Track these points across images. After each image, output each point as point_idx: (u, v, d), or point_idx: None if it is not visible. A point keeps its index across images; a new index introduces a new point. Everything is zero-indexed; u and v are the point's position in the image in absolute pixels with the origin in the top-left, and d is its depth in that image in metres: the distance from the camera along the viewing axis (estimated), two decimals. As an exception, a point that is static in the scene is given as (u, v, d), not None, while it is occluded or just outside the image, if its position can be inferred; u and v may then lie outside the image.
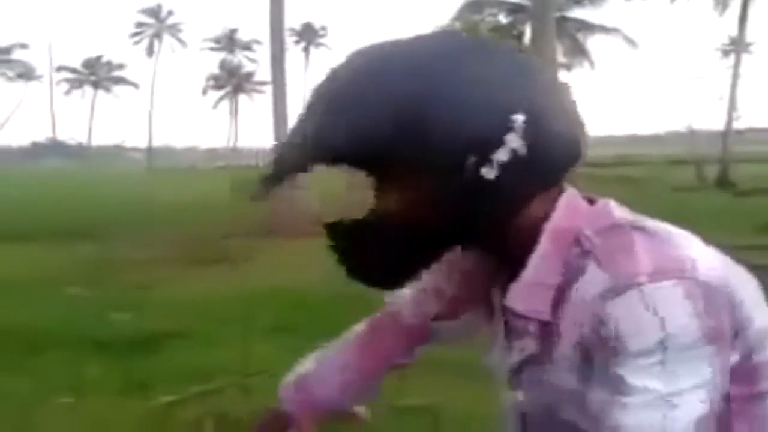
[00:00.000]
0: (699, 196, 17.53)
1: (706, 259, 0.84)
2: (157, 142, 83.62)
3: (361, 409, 1.22)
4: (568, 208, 0.89)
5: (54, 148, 77.01)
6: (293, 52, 77.02)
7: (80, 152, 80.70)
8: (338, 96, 0.86)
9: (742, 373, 0.86)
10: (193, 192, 21.49)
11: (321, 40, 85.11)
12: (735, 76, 26.88)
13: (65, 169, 40.19)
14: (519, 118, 0.83)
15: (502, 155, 0.83)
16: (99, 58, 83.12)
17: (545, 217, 0.88)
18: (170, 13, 79.47)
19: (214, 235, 10.66)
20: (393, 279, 0.95)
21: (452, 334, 1.15)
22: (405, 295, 1.16)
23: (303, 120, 0.88)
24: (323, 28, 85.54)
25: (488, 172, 0.83)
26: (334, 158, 0.85)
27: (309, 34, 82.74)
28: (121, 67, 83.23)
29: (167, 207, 15.93)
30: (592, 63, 34.96)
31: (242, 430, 3.73)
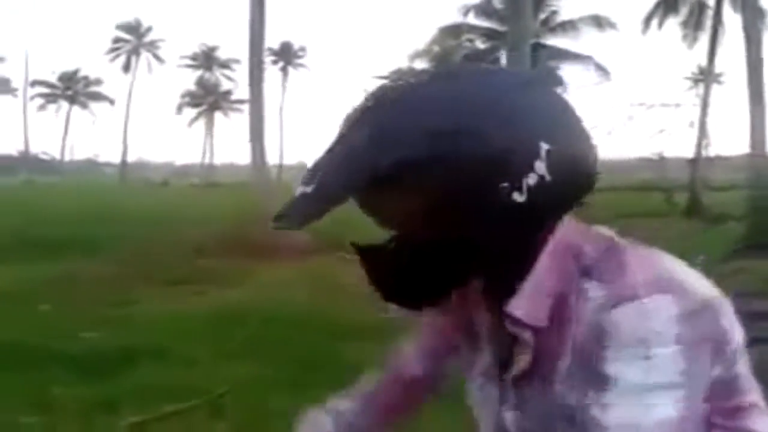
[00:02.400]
0: (668, 222, 17.78)
1: (694, 277, 0.92)
2: (131, 157, 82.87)
3: None
4: (568, 227, 0.96)
5: (27, 162, 75.99)
6: (271, 71, 77.06)
7: (53, 167, 79.71)
8: (380, 123, 0.88)
9: (721, 388, 0.92)
10: (165, 207, 21.32)
11: (300, 61, 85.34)
12: (705, 104, 27.42)
13: (38, 183, 39.61)
14: (545, 146, 0.89)
15: (531, 180, 0.88)
16: (75, 72, 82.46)
17: (549, 236, 0.95)
18: (149, 29, 79.20)
19: (185, 253, 10.58)
20: (428, 300, 0.98)
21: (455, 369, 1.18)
22: (404, 348, 1.23)
23: (339, 149, 0.90)
24: (302, 49, 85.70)
25: (519, 197, 0.88)
26: (376, 183, 0.87)
27: (287, 54, 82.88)
28: (97, 82, 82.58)
29: (139, 223, 15.78)
30: (565, 89, 35.38)
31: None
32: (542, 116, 0.91)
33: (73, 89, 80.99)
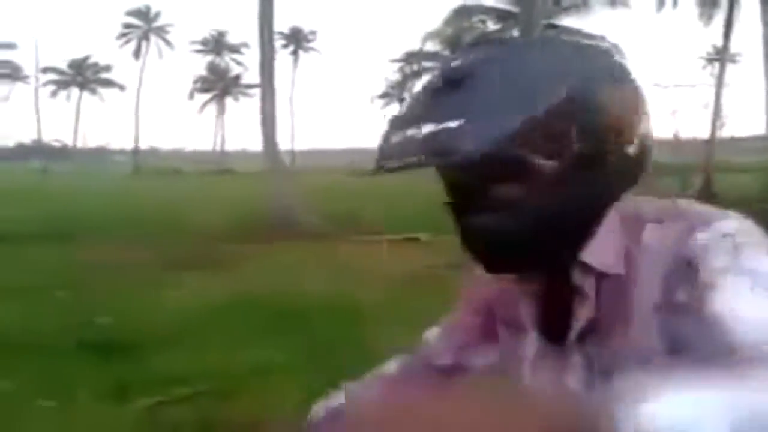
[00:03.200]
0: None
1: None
2: (142, 145, 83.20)
3: None
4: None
5: (39, 150, 76.44)
6: (282, 55, 76.93)
7: (65, 154, 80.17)
8: (511, 80, 0.87)
9: None
10: (179, 195, 21.41)
11: (310, 45, 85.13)
12: (720, 85, 27.14)
13: (51, 171, 39.94)
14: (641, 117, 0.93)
15: (639, 135, 0.93)
16: (85, 59, 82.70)
17: None
18: (158, 14, 79.23)
19: (201, 239, 10.63)
20: (536, 261, 0.95)
21: (485, 366, 1.15)
22: (432, 337, 1.19)
23: (463, 96, 0.87)
24: (312, 33, 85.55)
25: (630, 149, 0.92)
26: (504, 143, 0.84)
27: (298, 38, 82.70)
28: (107, 68, 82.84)
29: (153, 211, 15.85)
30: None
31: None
32: (639, 85, 0.95)
33: (83, 76, 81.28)
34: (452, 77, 0.89)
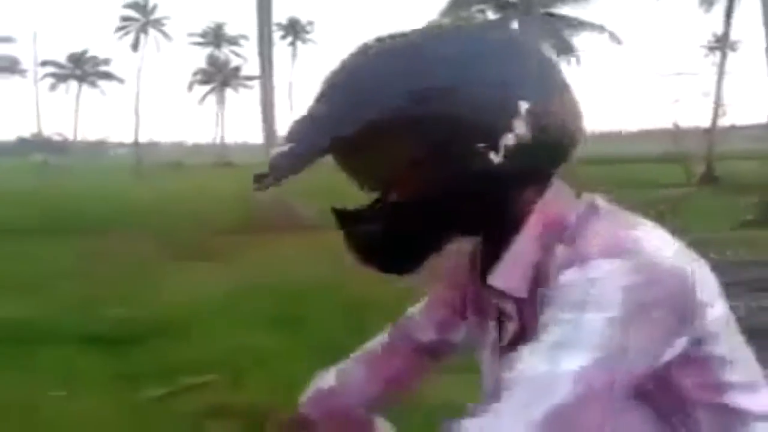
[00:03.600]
0: (684, 192, 17.65)
1: (661, 245, 0.87)
2: (142, 138, 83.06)
3: (380, 422, 1.26)
4: (555, 196, 0.93)
5: (39, 144, 76.35)
6: (280, 47, 76.73)
7: (65, 148, 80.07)
8: (357, 85, 0.88)
9: (694, 362, 0.88)
10: (181, 188, 21.42)
11: (308, 36, 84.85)
12: (720, 73, 27.06)
13: (51, 165, 39.94)
14: (524, 105, 0.87)
15: (509, 140, 0.87)
16: (84, 52, 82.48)
17: (535, 204, 0.93)
18: (155, 7, 78.95)
19: (202, 231, 10.66)
20: (407, 263, 0.97)
21: (465, 341, 1.18)
22: (416, 312, 1.22)
23: (318, 107, 0.90)
24: (310, 23, 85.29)
25: (495, 157, 0.87)
26: (350, 144, 0.87)
27: (296, 30, 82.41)
28: (106, 62, 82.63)
29: (156, 203, 15.88)
30: (578, 60, 35.07)
31: (232, 422, 3.77)
32: (521, 74, 0.89)
33: (82, 69, 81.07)
34: (320, 90, 0.92)
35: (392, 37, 0.93)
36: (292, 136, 0.89)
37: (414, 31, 0.94)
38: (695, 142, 26.25)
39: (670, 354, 0.86)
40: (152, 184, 23.73)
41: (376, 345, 1.23)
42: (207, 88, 79.82)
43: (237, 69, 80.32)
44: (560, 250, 0.88)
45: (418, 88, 0.86)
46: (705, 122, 27.84)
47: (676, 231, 0.96)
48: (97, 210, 14.29)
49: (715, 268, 0.94)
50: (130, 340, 5.03)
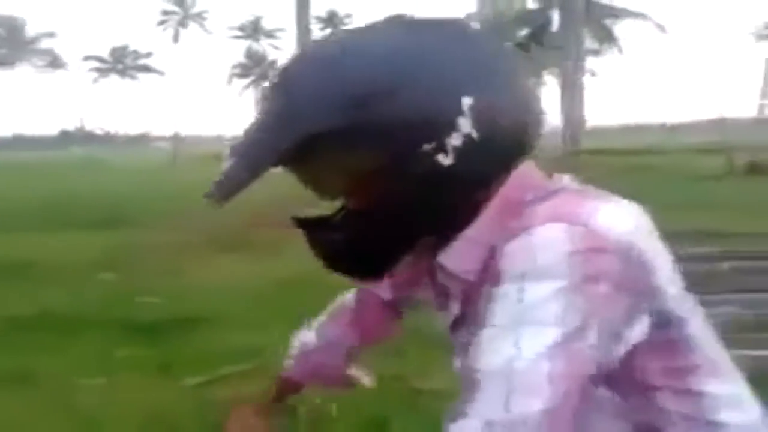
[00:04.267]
0: (727, 184, 17.28)
1: (617, 220, 0.82)
2: (182, 131, 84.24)
3: (357, 373, 1.34)
4: (518, 181, 0.89)
5: (82, 137, 77.90)
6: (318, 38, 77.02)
7: (108, 141, 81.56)
8: (294, 95, 0.84)
9: (658, 345, 0.85)
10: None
11: (346, 27, 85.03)
12: None
13: (94, 158, 40.72)
14: (467, 101, 0.82)
15: (456, 140, 0.82)
16: (125, 47, 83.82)
17: (496, 192, 0.89)
18: (195, 0, 79.83)
19: (239, 223, 10.74)
20: (374, 270, 0.95)
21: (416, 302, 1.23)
22: None
23: (259, 118, 0.87)
24: (348, 16, 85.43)
25: (444, 159, 0.82)
26: (290, 157, 0.84)
27: (334, 21, 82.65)
28: (147, 55, 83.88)
29: (194, 195, 16.05)
30: (620, 49, 34.53)
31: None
32: (462, 67, 0.84)
33: (123, 63, 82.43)
34: (262, 99, 0.89)
35: (331, 36, 0.91)
36: (235, 150, 0.87)
37: (352, 31, 0.90)
38: (740, 132, 25.67)
39: (631, 336, 0.83)
40: (190, 175, 24.05)
41: (347, 301, 1.29)
42: (246, 81, 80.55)
43: (275, 62, 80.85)
44: (510, 226, 0.84)
45: (355, 94, 0.81)
46: (751, 112, 27.18)
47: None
48: (135, 202, 14.51)
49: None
50: (166, 329, 5.09)
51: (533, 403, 0.76)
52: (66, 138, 76.11)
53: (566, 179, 0.93)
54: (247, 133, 0.87)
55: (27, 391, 3.98)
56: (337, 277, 0.99)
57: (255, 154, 0.85)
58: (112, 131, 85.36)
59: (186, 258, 8.18)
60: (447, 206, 0.86)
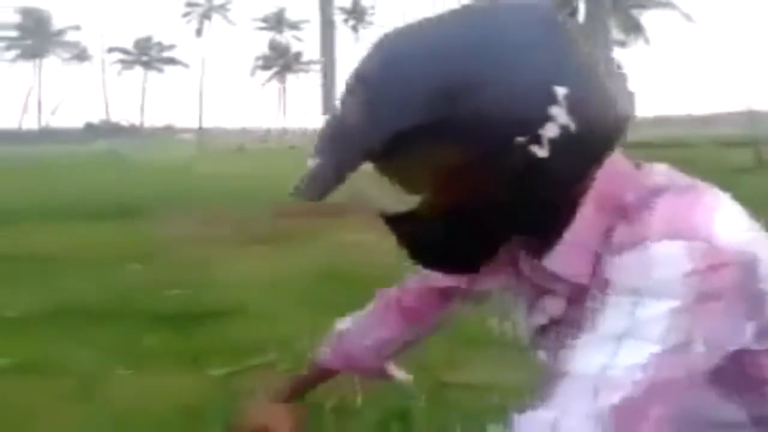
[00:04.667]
0: (756, 177, 17.02)
1: (731, 227, 0.81)
2: (207, 123, 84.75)
3: (394, 369, 1.32)
4: (611, 174, 0.87)
5: (108, 129, 78.69)
6: (341, 30, 76.99)
7: (133, 133, 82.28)
8: (378, 92, 0.82)
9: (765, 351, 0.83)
10: (245, 172, 21.76)
11: (370, 18, 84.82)
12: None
13: (119, 150, 41.12)
14: (561, 90, 0.80)
15: (551, 131, 0.80)
16: (149, 38, 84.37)
17: (589, 187, 0.87)
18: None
19: (266, 214, 10.80)
20: (466, 265, 0.93)
21: (472, 298, 1.21)
22: (414, 282, 1.25)
23: (342, 117, 0.86)
24: (372, 7, 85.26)
25: (539, 151, 0.80)
26: (382, 155, 0.82)
27: (357, 13, 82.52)
28: (171, 47, 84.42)
29: (220, 187, 16.17)
30: (647, 39, 34.12)
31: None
32: (552, 56, 0.81)
33: (148, 55, 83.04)
34: (343, 95, 0.86)
35: (411, 27, 0.87)
36: (320, 149, 0.86)
37: (431, 21, 0.87)
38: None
39: (738, 343, 0.82)
40: (216, 167, 24.19)
41: (391, 293, 1.27)
42: (269, 72, 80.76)
43: (299, 54, 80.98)
44: (619, 231, 0.83)
45: (440, 89, 0.79)
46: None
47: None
48: (162, 194, 14.62)
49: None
50: (194, 320, 5.13)
51: (614, 397, 0.75)
52: (91, 130, 76.89)
53: (657, 169, 0.90)
54: (328, 131, 0.86)
55: (56, 381, 4.03)
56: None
57: (342, 155, 0.83)
58: (137, 123, 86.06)
59: (213, 249, 8.24)
60: (542, 201, 0.84)
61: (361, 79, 0.84)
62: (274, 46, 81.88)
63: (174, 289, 6.09)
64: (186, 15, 79.74)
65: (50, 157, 35.96)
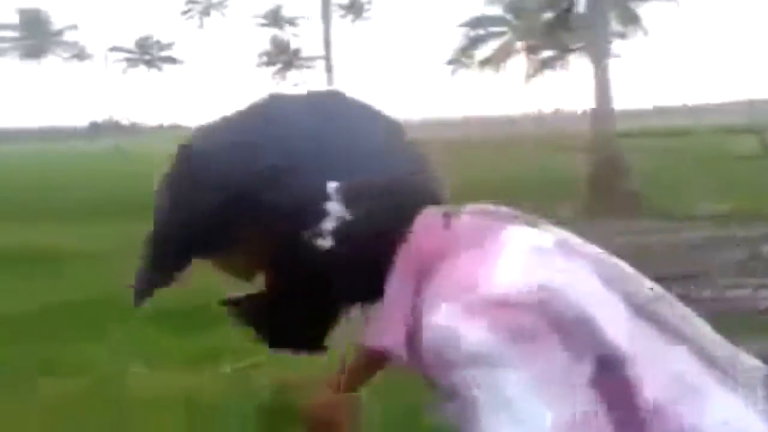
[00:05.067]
0: (761, 165, 17.00)
1: (515, 271, 0.81)
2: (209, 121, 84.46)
3: None
4: (422, 231, 0.87)
5: (111, 127, 78.56)
6: (339, 25, 76.83)
7: (136, 131, 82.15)
8: (173, 196, 0.89)
9: (613, 386, 0.80)
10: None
11: (367, 14, 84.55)
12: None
13: (124, 148, 41.05)
14: (332, 184, 0.83)
15: (329, 224, 0.83)
16: (149, 37, 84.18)
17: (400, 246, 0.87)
18: (218, -11, 79.82)
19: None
20: (307, 343, 0.95)
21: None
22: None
23: (157, 215, 0.93)
24: (369, 2, 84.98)
25: (324, 242, 0.84)
26: (198, 249, 0.90)
27: (355, 9, 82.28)
28: (170, 46, 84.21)
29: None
30: (645, 31, 34.02)
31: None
32: (328, 152, 0.85)
33: (150, 54, 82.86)
34: (155, 202, 0.94)
35: (207, 128, 0.92)
36: (143, 255, 0.95)
37: (224, 119, 0.92)
38: (766, 114, 25.12)
39: (585, 374, 0.79)
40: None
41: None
42: (272, 69, 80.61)
43: (297, 51, 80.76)
44: (425, 291, 0.83)
45: (235, 191, 0.85)
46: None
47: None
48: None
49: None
50: (205, 317, 5.16)
51: None
52: (95, 129, 76.80)
53: (462, 221, 0.88)
54: (148, 237, 0.94)
55: (71, 377, 4.07)
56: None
57: (160, 260, 0.94)
58: (140, 122, 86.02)
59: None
60: (348, 281, 0.86)
61: (167, 185, 0.91)
62: (276, 42, 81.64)
63: (187, 285, 6.11)
64: (186, 12, 79.55)
65: (56, 155, 35.88)
